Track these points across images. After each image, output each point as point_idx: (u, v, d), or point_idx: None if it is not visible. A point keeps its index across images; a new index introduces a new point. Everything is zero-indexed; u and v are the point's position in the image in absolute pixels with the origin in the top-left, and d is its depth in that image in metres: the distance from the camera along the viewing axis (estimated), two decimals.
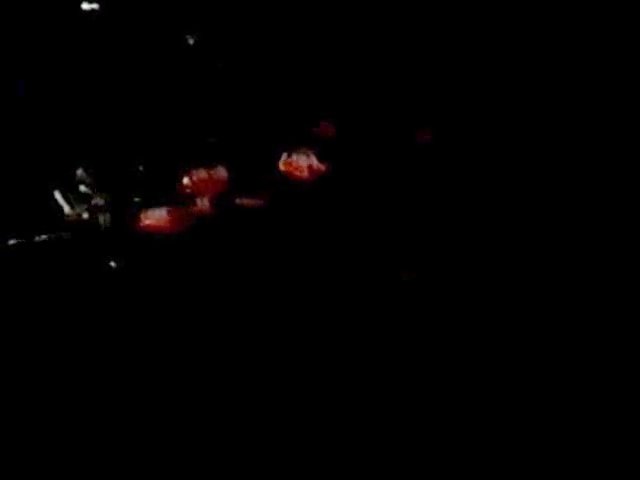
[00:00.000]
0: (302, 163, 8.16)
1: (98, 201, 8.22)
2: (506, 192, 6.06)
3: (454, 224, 5.98)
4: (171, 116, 8.75)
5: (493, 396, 4.36)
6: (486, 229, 5.86)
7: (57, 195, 7.53)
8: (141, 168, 8.71)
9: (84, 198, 8.14)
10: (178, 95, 8.39)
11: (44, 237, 7.55)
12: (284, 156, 8.16)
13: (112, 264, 7.55)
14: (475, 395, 4.42)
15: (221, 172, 8.93)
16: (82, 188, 8.20)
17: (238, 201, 8.59)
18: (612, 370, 4.43)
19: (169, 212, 8.62)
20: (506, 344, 4.81)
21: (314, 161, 8.35)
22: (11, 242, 7.12)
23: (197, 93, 8.40)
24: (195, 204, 8.73)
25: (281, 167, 8.20)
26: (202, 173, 8.88)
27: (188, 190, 8.75)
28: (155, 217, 8.55)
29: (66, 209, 7.72)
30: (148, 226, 8.40)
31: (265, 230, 7.13)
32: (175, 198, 8.51)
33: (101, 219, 8.40)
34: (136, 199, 8.46)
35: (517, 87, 6.50)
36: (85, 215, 7.95)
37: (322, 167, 8.04)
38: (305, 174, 8.12)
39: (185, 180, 8.80)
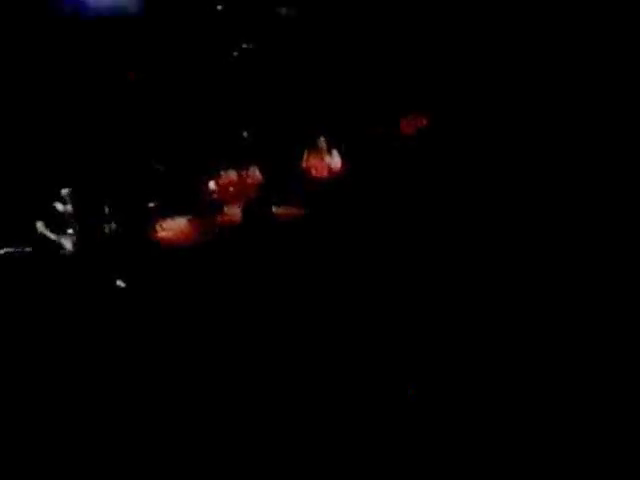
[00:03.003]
0: (323, 162, 7.50)
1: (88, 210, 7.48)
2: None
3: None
4: (193, 110, 8.42)
5: (492, 397, 4.26)
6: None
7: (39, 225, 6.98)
8: (158, 169, 7.64)
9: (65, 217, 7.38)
10: (203, 89, 8.42)
11: (37, 248, 7.11)
12: (305, 155, 7.54)
13: (119, 283, 6.56)
14: (475, 395, 4.31)
15: (255, 174, 7.81)
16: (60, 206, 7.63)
17: (274, 210, 7.90)
18: (611, 369, 4.29)
19: (191, 222, 7.35)
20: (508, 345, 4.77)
21: (336, 159, 7.68)
22: (7, 251, 6.83)
23: (225, 88, 8.40)
24: (223, 213, 7.51)
25: (304, 166, 7.57)
26: (232, 175, 7.72)
27: (215, 196, 7.65)
28: (174, 228, 7.31)
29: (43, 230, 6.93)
30: (166, 238, 7.20)
31: (300, 248, 6.65)
32: (199, 205, 7.44)
33: (107, 230, 7.05)
34: (151, 205, 7.32)
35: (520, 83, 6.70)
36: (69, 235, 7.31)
37: (343, 165, 7.42)
38: (326, 172, 7.47)
39: (211, 184, 7.71)
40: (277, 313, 5.62)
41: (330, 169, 7.38)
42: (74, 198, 7.26)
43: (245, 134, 7.75)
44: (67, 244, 7.05)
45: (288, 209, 7.32)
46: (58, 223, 7.11)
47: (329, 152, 7.46)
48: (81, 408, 4.72)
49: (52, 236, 7.09)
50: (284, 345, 5.19)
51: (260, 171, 7.74)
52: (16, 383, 5.00)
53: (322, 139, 7.40)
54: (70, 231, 7.10)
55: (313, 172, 7.38)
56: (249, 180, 7.76)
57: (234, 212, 7.50)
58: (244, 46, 7.66)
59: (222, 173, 7.84)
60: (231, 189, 7.78)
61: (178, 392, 4.81)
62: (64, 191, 7.27)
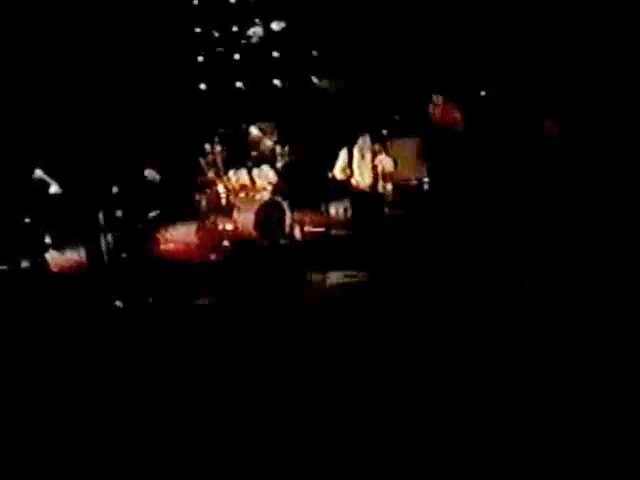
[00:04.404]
0: (366, 170, 7.05)
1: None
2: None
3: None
4: (198, 105, 7.91)
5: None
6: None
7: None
8: (158, 170, 7.05)
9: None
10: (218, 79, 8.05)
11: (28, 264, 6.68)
12: (342, 157, 7.05)
13: (118, 303, 6.14)
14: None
15: (268, 175, 7.13)
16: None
17: (293, 217, 6.99)
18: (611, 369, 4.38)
19: (199, 230, 6.86)
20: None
21: (387, 164, 7.12)
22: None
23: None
24: (233, 220, 6.94)
25: (338, 174, 7.05)
26: (243, 177, 7.15)
27: (222, 200, 7.16)
28: (180, 237, 6.88)
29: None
30: (169, 251, 6.78)
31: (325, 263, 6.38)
32: (206, 212, 6.98)
33: (103, 242, 6.47)
34: (152, 214, 6.83)
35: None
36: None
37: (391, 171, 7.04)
38: (368, 182, 7.05)
39: (219, 187, 7.17)
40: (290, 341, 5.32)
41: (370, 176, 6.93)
42: (65, 207, 6.80)
43: (256, 131, 7.17)
44: (60, 259, 6.68)
45: (309, 216, 6.86)
46: (51, 236, 6.69)
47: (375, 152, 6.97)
48: (78, 425, 4.54)
49: (46, 250, 6.67)
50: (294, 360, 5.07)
51: (275, 171, 7.20)
52: (14, 396, 4.91)
53: (367, 139, 6.94)
54: (64, 245, 6.74)
55: (354, 181, 6.94)
56: (260, 182, 7.16)
57: (246, 219, 6.86)
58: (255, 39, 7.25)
59: (231, 172, 7.30)
60: (242, 192, 7.22)
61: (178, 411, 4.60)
62: (53, 191, 6.91)
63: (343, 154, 7.03)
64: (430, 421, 4.25)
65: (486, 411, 4.26)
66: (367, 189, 6.93)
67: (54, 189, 6.94)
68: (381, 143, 6.89)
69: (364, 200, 6.86)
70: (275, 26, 6.85)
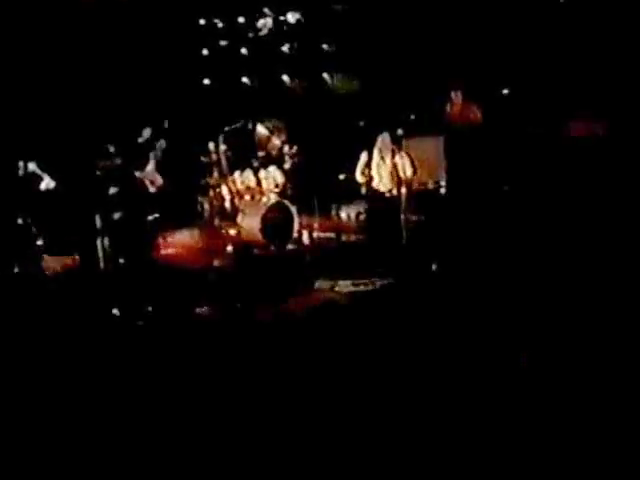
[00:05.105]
0: (386, 173, 6.95)
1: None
2: None
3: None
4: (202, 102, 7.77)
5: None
6: None
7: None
8: (161, 171, 7.10)
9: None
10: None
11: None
12: (363, 159, 6.92)
13: (115, 311, 6.02)
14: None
15: (275, 176, 7.04)
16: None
17: (300, 223, 6.91)
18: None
19: (202, 235, 6.83)
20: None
21: (405, 167, 6.92)
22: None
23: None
24: (240, 225, 6.82)
25: (358, 177, 6.96)
26: (249, 178, 7.04)
27: (227, 203, 7.01)
28: (181, 242, 6.91)
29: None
30: (171, 256, 6.80)
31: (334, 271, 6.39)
32: (209, 216, 6.88)
33: (100, 246, 6.33)
34: (152, 217, 6.84)
35: None
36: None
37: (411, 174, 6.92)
38: (390, 184, 6.92)
39: (223, 189, 7.01)
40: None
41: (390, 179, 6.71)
42: (60, 207, 6.66)
43: (264, 130, 7.01)
44: (54, 263, 6.49)
45: (318, 221, 6.66)
46: (44, 239, 6.51)
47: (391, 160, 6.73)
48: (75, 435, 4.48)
49: (39, 254, 6.50)
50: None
51: (283, 172, 7.00)
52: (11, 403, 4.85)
53: (387, 139, 6.71)
54: (58, 249, 6.55)
55: (370, 182, 6.72)
56: (269, 183, 6.99)
57: (251, 223, 6.71)
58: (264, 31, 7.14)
59: (236, 175, 7.11)
60: (247, 195, 7.05)
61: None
62: (45, 186, 6.80)
63: (364, 155, 6.85)
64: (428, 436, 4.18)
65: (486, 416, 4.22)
66: (386, 192, 6.76)
67: (47, 184, 6.83)
68: (397, 144, 6.68)
69: (381, 204, 6.68)
70: (290, 17, 6.65)
